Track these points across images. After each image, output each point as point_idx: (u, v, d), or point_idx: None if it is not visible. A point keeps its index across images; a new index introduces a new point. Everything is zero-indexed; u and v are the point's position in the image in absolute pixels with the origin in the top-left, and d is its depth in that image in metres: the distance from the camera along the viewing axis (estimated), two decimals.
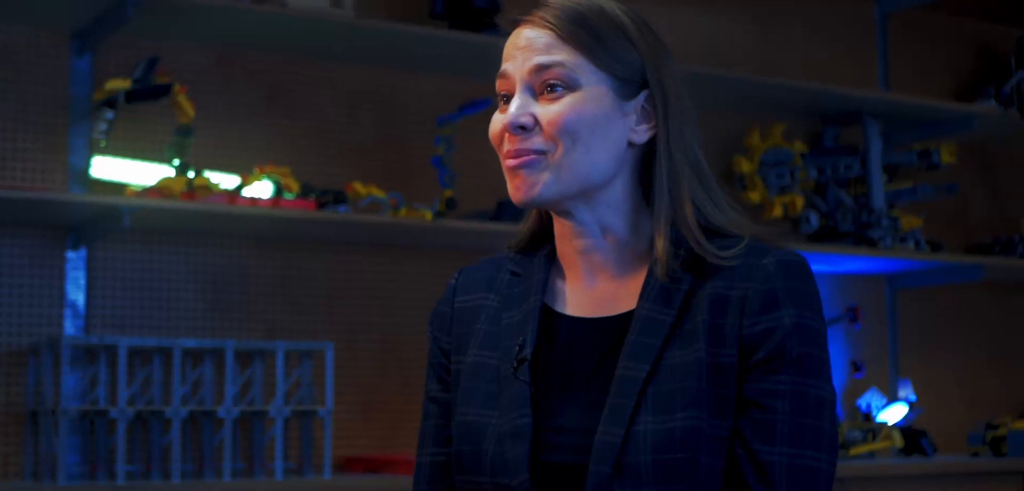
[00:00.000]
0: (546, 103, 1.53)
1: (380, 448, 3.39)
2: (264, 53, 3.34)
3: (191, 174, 3.04)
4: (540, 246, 1.66)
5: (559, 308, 1.61)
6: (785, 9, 4.18)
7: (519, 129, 1.53)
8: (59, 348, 2.89)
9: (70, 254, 3.10)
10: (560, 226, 1.61)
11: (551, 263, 1.64)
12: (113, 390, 2.94)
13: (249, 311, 3.30)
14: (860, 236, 3.92)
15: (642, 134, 1.56)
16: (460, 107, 3.30)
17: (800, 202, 3.93)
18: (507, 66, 1.56)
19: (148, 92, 3.03)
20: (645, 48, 1.56)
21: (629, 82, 1.55)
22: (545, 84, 1.53)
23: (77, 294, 3.10)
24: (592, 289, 1.60)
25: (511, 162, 1.54)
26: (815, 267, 3.92)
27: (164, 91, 3.04)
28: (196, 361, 3.05)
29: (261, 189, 3.10)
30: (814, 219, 3.97)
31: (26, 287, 3.07)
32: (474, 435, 1.56)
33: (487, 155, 1.71)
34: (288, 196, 3.11)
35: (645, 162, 1.58)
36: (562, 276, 1.63)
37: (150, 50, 3.12)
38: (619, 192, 1.57)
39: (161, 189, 2.99)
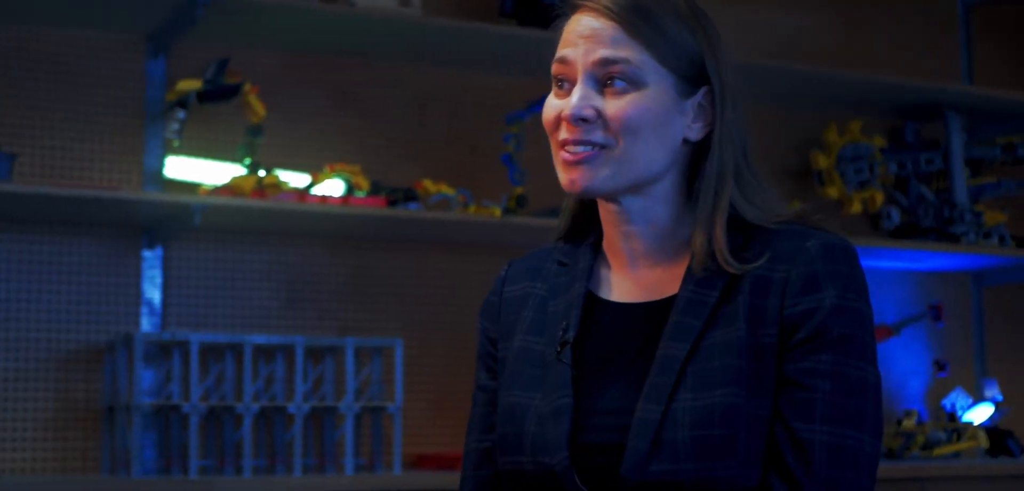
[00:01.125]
0: (611, 98, 1.53)
1: (450, 445, 3.40)
2: (333, 53, 3.37)
3: (262, 173, 3.07)
4: (584, 235, 1.66)
5: (603, 294, 1.62)
6: (866, 3, 4.12)
7: (580, 121, 1.53)
8: (133, 345, 2.94)
9: (146, 253, 3.16)
10: (606, 212, 1.61)
11: (597, 252, 1.65)
12: (186, 386, 2.99)
13: (320, 308, 3.33)
14: (942, 232, 3.84)
15: (697, 132, 1.57)
16: (529, 104, 3.30)
17: (880, 197, 3.86)
18: (567, 52, 1.55)
19: (219, 92, 3.07)
20: (705, 41, 1.56)
21: (689, 79, 1.55)
22: (610, 77, 1.53)
23: (153, 292, 3.16)
24: (636, 275, 1.60)
25: (568, 153, 1.54)
26: (896, 264, 3.89)
27: (235, 91, 3.08)
28: (268, 357, 3.09)
29: (332, 187, 3.13)
30: (895, 215, 3.89)
31: (104, 285, 3.13)
32: (517, 416, 1.57)
33: None
34: (359, 194, 3.13)
35: (693, 156, 1.58)
36: (607, 264, 1.64)
37: (221, 52, 3.17)
38: (669, 186, 1.57)
39: (232, 188, 3.03)
